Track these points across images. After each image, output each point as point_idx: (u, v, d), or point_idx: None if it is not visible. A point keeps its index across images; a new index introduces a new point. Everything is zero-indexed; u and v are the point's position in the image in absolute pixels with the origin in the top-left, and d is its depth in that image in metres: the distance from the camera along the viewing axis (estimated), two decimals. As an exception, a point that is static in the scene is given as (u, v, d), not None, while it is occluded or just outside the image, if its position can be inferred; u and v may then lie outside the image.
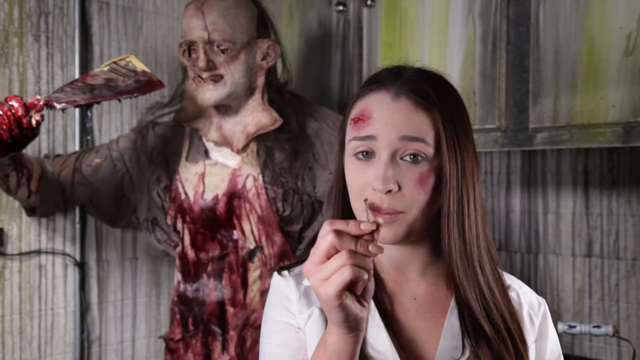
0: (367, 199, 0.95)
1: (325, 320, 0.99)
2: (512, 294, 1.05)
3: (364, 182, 0.97)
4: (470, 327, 0.98)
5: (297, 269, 1.09)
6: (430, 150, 0.96)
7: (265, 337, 1.05)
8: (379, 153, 0.96)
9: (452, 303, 1.02)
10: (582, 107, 1.71)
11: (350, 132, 0.99)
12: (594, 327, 1.83)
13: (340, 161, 1.05)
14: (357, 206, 0.99)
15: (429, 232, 1.02)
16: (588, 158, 2.10)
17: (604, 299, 2.06)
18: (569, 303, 2.14)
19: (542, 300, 1.10)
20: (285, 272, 1.08)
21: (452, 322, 1.00)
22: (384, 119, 0.96)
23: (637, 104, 1.63)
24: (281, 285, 1.06)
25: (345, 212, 1.05)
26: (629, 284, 2.02)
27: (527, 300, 1.07)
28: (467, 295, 0.99)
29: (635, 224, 2.02)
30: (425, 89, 0.98)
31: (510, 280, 1.09)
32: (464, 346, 0.98)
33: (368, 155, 0.97)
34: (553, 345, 1.08)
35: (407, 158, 0.96)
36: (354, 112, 1.00)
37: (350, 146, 0.99)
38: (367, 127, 0.96)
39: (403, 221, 0.96)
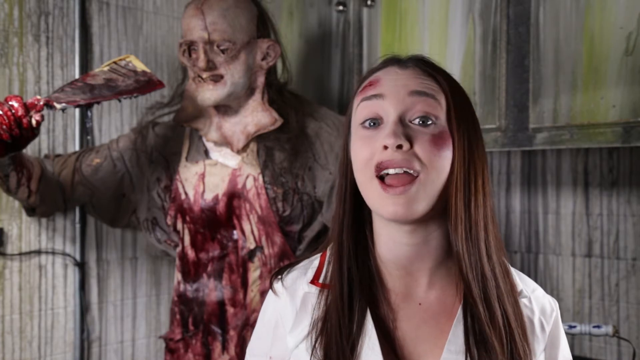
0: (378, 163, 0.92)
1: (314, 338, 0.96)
2: (524, 301, 1.00)
3: (371, 148, 0.93)
4: (473, 339, 0.93)
5: (294, 274, 1.04)
6: (440, 112, 0.93)
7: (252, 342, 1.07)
8: (387, 115, 0.94)
9: (459, 311, 0.96)
10: (582, 107, 1.72)
11: (357, 100, 0.98)
12: (594, 327, 1.83)
13: (345, 154, 1.01)
14: (363, 177, 0.95)
15: (441, 221, 0.96)
16: (588, 158, 2.10)
17: (604, 299, 2.06)
18: (569, 303, 2.14)
19: (555, 304, 1.05)
20: (279, 287, 1.03)
21: (457, 333, 0.94)
22: (393, 80, 0.96)
23: (637, 104, 1.63)
24: (274, 307, 1.03)
25: (351, 206, 1.00)
26: (629, 284, 2.02)
27: (539, 305, 1.02)
28: (472, 291, 0.93)
29: (635, 224, 2.02)
30: (432, 65, 0.99)
31: (523, 283, 1.03)
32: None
33: (376, 123, 0.94)
34: (566, 353, 1.03)
35: (417, 121, 0.93)
36: (362, 89, 0.99)
37: (358, 115, 0.96)
38: (375, 88, 0.95)
39: (420, 187, 0.91)
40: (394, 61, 1.00)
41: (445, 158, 0.92)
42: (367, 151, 0.94)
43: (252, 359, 1.05)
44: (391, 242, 0.98)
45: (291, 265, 1.07)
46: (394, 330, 0.97)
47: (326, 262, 1.02)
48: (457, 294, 0.98)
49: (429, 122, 0.93)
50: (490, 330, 0.92)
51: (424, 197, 0.92)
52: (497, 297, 0.94)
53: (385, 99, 0.94)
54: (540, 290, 1.06)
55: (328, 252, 1.04)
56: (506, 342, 0.92)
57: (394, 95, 0.94)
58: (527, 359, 0.94)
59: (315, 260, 1.05)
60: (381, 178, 0.92)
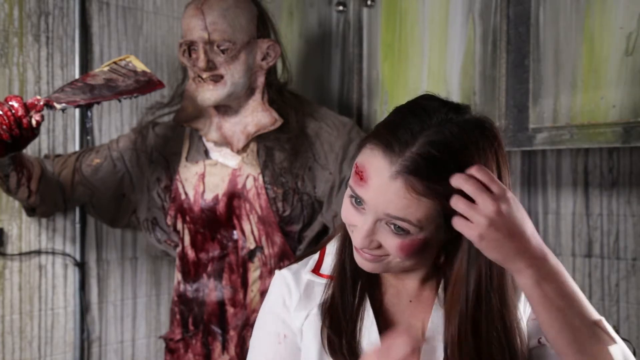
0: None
1: (320, 320, 1.05)
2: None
3: (351, 221, 1.00)
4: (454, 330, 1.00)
5: (295, 266, 1.14)
6: (415, 230, 0.94)
7: (256, 341, 1.12)
8: (367, 212, 0.97)
9: (436, 304, 1.05)
10: (582, 107, 1.72)
11: (351, 176, 0.99)
12: (594, 327, 1.82)
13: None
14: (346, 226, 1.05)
15: (421, 265, 1.05)
16: (588, 158, 2.10)
17: (604, 299, 2.06)
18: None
19: None
20: (285, 272, 1.13)
21: (435, 322, 1.04)
22: (377, 190, 0.94)
23: (637, 104, 1.63)
24: (280, 286, 1.12)
25: None
26: (629, 284, 2.02)
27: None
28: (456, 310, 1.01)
29: (635, 224, 2.02)
30: (432, 174, 0.91)
31: None
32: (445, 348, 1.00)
33: (360, 204, 0.98)
34: (545, 340, 1.05)
35: (391, 227, 0.96)
36: (360, 157, 0.97)
37: (349, 187, 1.00)
38: (361, 189, 0.96)
39: (388, 265, 1.01)
40: (395, 150, 0.93)
41: (422, 256, 1.01)
42: (348, 221, 1.02)
43: (268, 337, 1.10)
44: None
45: (292, 263, 1.17)
46: (388, 317, 1.07)
47: (326, 255, 1.13)
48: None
49: (402, 231, 0.95)
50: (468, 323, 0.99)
51: (397, 269, 1.03)
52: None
53: (366, 205, 0.97)
54: None
55: (328, 248, 1.14)
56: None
57: (372, 207, 0.95)
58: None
59: (314, 255, 1.15)
60: None
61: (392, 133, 0.94)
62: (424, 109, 0.95)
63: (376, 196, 0.94)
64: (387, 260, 1.00)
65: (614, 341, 0.92)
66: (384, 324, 1.06)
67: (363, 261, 1.01)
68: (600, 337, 0.91)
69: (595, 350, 0.91)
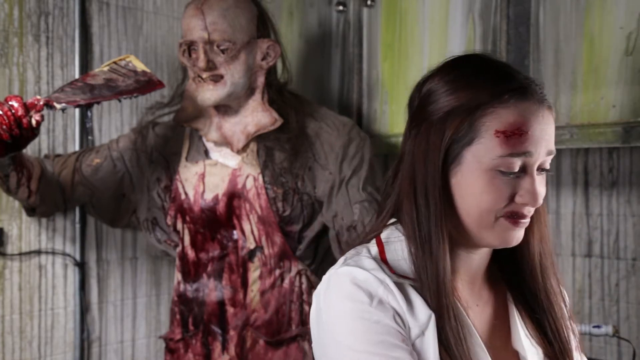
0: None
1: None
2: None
3: (508, 195, 0.93)
4: (530, 326, 1.01)
5: (363, 264, 0.94)
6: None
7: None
8: (529, 168, 0.93)
9: (511, 305, 1.03)
10: (582, 107, 1.72)
11: (499, 147, 0.91)
12: (594, 327, 1.83)
13: (429, 168, 0.94)
14: (486, 220, 0.94)
15: None
16: (588, 158, 2.10)
17: (604, 299, 2.06)
18: (569, 303, 2.14)
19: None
20: (370, 274, 0.91)
21: (516, 323, 1.01)
22: (539, 133, 0.92)
23: (637, 104, 1.63)
24: (378, 291, 0.91)
25: (441, 207, 0.95)
26: (629, 284, 2.02)
27: None
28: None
29: (635, 224, 2.02)
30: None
31: None
32: (534, 346, 1.00)
33: (511, 175, 0.92)
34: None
35: (540, 171, 0.95)
36: (501, 124, 0.91)
37: (497, 162, 0.92)
38: (525, 144, 0.91)
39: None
40: (533, 92, 0.94)
41: None
42: (500, 196, 0.93)
43: (396, 352, 0.88)
44: (464, 254, 1.01)
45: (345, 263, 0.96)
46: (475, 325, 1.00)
47: (388, 251, 0.97)
48: (501, 287, 1.05)
49: (546, 171, 0.96)
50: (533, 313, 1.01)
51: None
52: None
53: (532, 157, 0.93)
54: None
55: (385, 241, 0.99)
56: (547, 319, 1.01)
57: (539, 153, 0.93)
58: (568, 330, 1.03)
59: (371, 249, 0.98)
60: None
61: (515, 80, 0.95)
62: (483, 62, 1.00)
63: (540, 137, 0.92)
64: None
65: None
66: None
67: (519, 232, 0.95)
68: None
69: None
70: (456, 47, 1.97)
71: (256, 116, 1.91)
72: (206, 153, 1.97)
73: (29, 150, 1.95)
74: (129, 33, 2.18)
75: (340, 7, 2.33)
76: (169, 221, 1.99)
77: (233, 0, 1.85)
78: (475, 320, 0.98)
